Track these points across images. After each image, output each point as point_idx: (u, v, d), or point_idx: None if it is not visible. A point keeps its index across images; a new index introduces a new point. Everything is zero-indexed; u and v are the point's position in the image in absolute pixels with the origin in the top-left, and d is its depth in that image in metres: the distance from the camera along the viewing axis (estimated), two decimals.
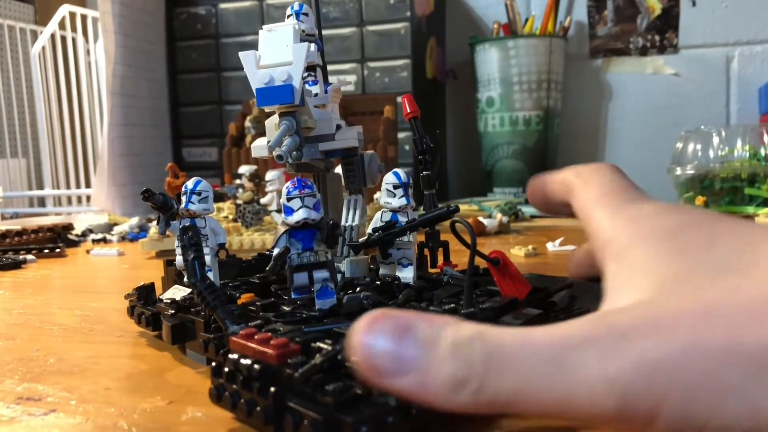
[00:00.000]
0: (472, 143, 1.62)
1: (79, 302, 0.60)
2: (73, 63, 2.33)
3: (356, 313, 0.34)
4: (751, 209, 1.07)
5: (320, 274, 0.37)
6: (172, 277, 0.48)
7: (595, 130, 1.65)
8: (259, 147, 0.48)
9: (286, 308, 0.37)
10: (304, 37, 0.45)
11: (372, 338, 0.21)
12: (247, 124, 1.28)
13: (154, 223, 1.12)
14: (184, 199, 0.43)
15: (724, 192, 1.12)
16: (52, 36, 2.25)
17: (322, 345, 0.28)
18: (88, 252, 0.92)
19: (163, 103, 1.70)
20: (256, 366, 0.26)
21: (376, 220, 0.44)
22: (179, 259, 0.43)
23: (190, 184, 0.43)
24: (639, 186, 0.29)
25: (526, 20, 1.54)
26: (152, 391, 0.35)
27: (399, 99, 1.46)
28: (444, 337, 0.21)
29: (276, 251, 0.37)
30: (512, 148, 1.51)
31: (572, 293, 0.39)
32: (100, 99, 2.13)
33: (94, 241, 1.03)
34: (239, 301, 0.39)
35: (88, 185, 2.30)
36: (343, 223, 0.46)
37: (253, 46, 0.43)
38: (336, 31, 1.49)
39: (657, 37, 1.58)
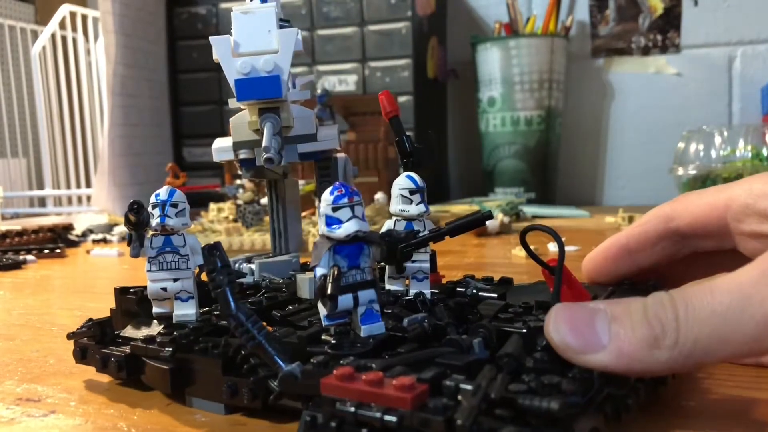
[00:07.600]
0: (474, 143, 1.62)
1: (79, 303, 0.60)
2: (73, 63, 2.33)
3: (422, 338, 0.30)
4: None
5: (367, 295, 0.31)
6: (130, 308, 0.38)
7: (597, 130, 1.64)
8: (222, 149, 0.41)
9: (328, 338, 0.31)
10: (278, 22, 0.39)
11: (564, 329, 0.24)
12: None
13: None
14: (155, 212, 0.34)
15: None
16: (53, 36, 2.25)
17: (449, 382, 0.23)
18: (88, 252, 0.92)
19: (164, 103, 1.69)
20: (388, 417, 0.21)
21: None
22: (153, 286, 0.35)
23: (163, 193, 0.35)
24: None
25: (528, 20, 1.54)
26: (151, 392, 0.34)
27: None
28: (633, 308, 0.23)
29: (320, 271, 0.30)
30: (513, 148, 1.51)
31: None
32: (101, 99, 2.13)
33: (94, 241, 1.03)
34: None
35: (88, 185, 2.30)
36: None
37: None
38: (337, 31, 1.49)
39: (659, 37, 1.58)
